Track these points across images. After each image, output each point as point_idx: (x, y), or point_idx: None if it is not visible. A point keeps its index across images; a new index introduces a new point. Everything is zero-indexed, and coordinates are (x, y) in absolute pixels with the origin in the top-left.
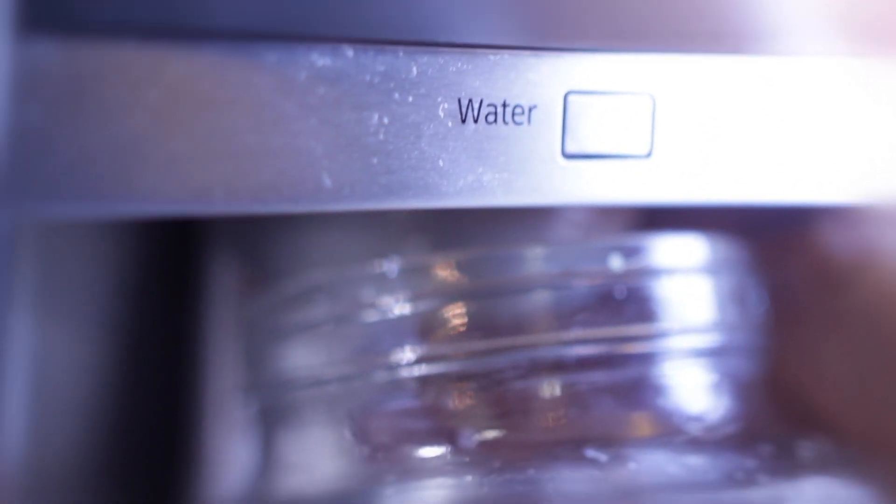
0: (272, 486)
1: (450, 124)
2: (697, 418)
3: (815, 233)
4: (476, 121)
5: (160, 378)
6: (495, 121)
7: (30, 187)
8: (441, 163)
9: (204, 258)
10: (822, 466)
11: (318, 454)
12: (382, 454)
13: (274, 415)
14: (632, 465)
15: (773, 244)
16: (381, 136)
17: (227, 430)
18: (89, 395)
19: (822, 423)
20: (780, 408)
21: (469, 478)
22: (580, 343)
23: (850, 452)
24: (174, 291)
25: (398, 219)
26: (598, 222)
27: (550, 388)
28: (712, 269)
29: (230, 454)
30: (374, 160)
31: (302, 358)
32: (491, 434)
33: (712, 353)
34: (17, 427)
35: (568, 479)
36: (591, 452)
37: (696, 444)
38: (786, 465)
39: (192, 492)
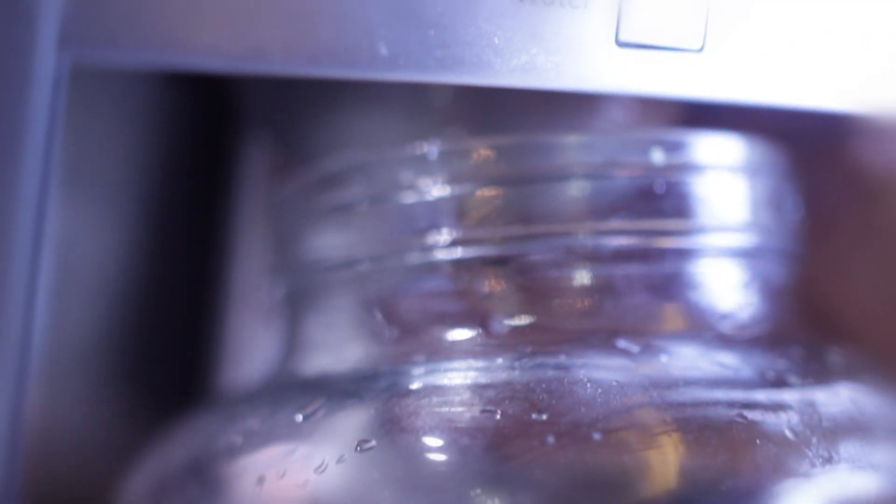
0: (299, 366)
1: (507, 2)
2: (729, 316)
3: (853, 146)
4: (534, 1)
5: (188, 261)
6: (553, 2)
7: (89, 31)
8: (496, 40)
9: (237, 139)
10: (850, 373)
11: (346, 335)
12: (412, 336)
13: (303, 297)
14: (663, 358)
15: (811, 154)
16: (439, 9)
17: (255, 313)
18: (114, 276)
19: (848, 335)
20: (809, 316)
21: (499, 360)
22: (616, 234)
23: (877, 362)
24: (206, 172)
25: (439, 105)
26: (640, 120)
27: (584, 278)
28: (752, 171)
29: (257, 338)
30: (431, 32)
31: (334, 238)
32: (523, 319)
33: (746, 254)
34: (44, 305)
35: (599, 366)
36: (622, 343)
37: (728, 341)
38: (815, 368)
39: (218, 375)
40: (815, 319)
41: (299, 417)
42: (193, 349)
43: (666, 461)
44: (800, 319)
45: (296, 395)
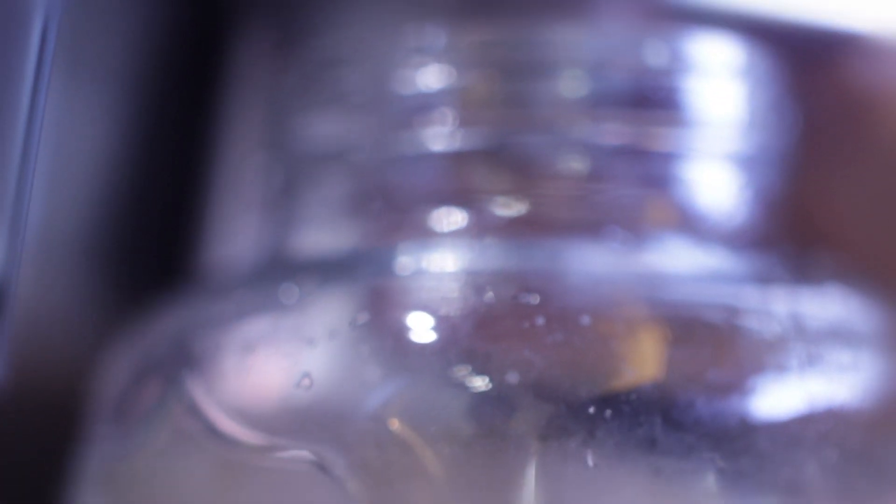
0: (291, 248)
1: None
2: (719, 218)
3: (846, 65)
4: None
5: (180, 144)
6: None
7: None
8: None
9: (234, 22)
10: (836, 278)
11: (339, 222)
12: (405, 222)
13: (296, 183)
14: (652, 251)
15: (806, 70)
16: None
17: (246, 199)
18: (108, 158)
19: (834, 248)
20: (797, 228)
21: (491, 246)
22: (610, 130)
23: (863, 272)
24: (201, 56)
25: None
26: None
27: (577, 171)
28: (748, 76)
29: (247, 224)
30: None
31: (328, 123)
32: (515, 209)
33: (739, 159)
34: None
35: (589, 256)
36: (613, 235)
37: (716, 241)
38: (802, 272)
39: (207, 259)
40: (803, 231)
41: (292, 292)
42: (183, 233)
43: (652, 349)
44: (788, 229)
45: (288, 272)
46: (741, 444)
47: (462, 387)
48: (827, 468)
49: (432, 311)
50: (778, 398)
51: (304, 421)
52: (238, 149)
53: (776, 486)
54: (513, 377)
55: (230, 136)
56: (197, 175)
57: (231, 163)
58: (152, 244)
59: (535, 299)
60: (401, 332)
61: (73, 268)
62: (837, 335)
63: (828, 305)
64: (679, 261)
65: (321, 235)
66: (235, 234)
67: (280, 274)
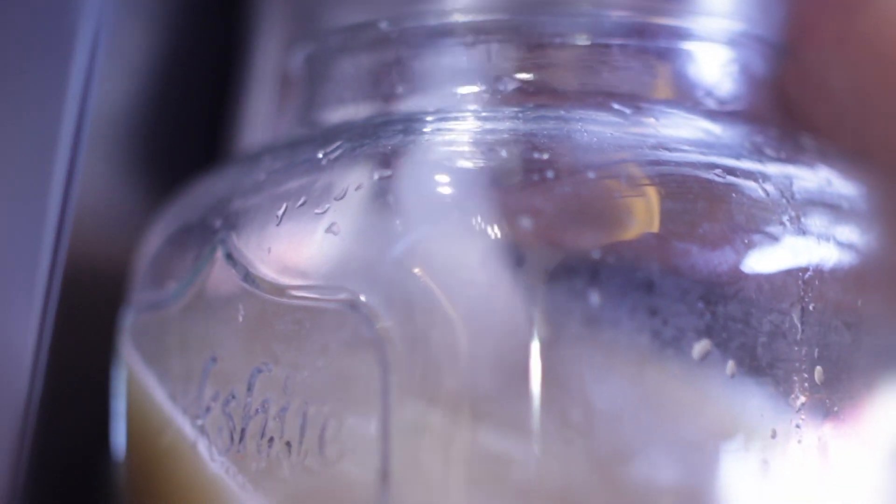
0: (317, 121)
1: None
2: (714, 94)
3: None
4: None
5: (212, 39)
6: None
7: None
8: None
9: None
10: (822, 156)
11: (363, 93)
12: (425, 91)
13: (322, 61)
14: (653, 120)
15: None
16: None
17: (274, 88)
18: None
19: (820, 132)
20: (785, 111)
21: (505, 112)
22: (616, 9)
23: (847, 153)
24: None
25: None
26: None
27: (586, 47)
28: None
29: (279, 107)
30: None
31: (351, 4)
32: (527, 80)
33: (733, 40)
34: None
35: (595, 121)
36: (616, 105)
37: (711, 114)
38: (791, 147)
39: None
40: (791, 115)
41: (320, 155)
42: (220, 120)
43: (652, 201)
44: (778, 109)
45: (316, 140)
46: (731, 291)
47: (478, 233)
48: (808, 317)
49: (451, 167)
50: (766, 252)
51: (333, 264)
52: (269, 35)
53: (761, 329)
54: (525, 223)
55: (263, 24)
56: (232, 63)
57: (264, 50)
58: (192, 131)
59: (545, 156)
60: (422, 184)
61: (121, 154)
62: (822, 208)
63: (814, 179)
64: (678, 129)
65: (345, 109)
66: (267, 116)
67: (309, 140)
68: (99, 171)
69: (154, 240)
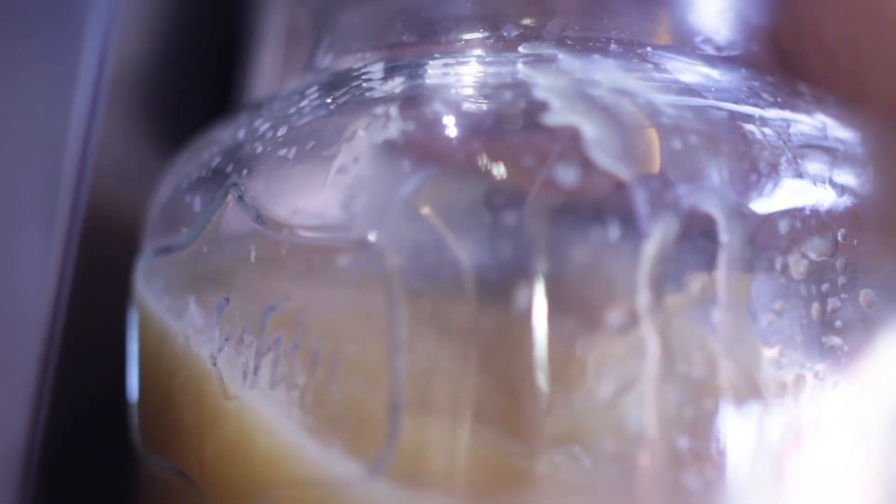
0: (326, 69)
1: None
2: (712, 40)
3: None
4: None
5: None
6: None
7: None
8: None
9: None
10: (819, 103)
11: (369, 43)
12: (431, 39)
13: (329, 13)
14: (652, 65)
15: None
16: None
17: (282, 39)
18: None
19: (819, 83)
20: (782, 61)
21: (507, 56)
22: None
23: (842, 101)
24: None
25: None
26: None
27: None
28: None
29: (285, 58)
30: None
31: None
32: (528, 23)
33: None
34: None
35: (596, 65)
36: (617, 49)
37: (709, 59)
38: (788, 94)
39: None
40: (787, 64)
41: (329, 100)
42: (229, 74)
43: (653, 143)
44: (774, 59)
45: (324, 86)
46: (731, 228)
47: (483, 173)
48: (804, 258)
49: (456, 109)
50: (763, 193)
51: (343, 204)
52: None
53: (760, 266)
54: (529, 164)
55: None
56: (242, 17)
57: (272, 3)
58: (204, 84)
59: (546, 98)
60: (429, 126)
61: (136, 108)
62: (818, 152)
63: (811, 124)
64: (677, 73)
65: (353, 57)
66: (275, 69)
67: (319, 86)
68: (116, 125)
69: (167, 187)
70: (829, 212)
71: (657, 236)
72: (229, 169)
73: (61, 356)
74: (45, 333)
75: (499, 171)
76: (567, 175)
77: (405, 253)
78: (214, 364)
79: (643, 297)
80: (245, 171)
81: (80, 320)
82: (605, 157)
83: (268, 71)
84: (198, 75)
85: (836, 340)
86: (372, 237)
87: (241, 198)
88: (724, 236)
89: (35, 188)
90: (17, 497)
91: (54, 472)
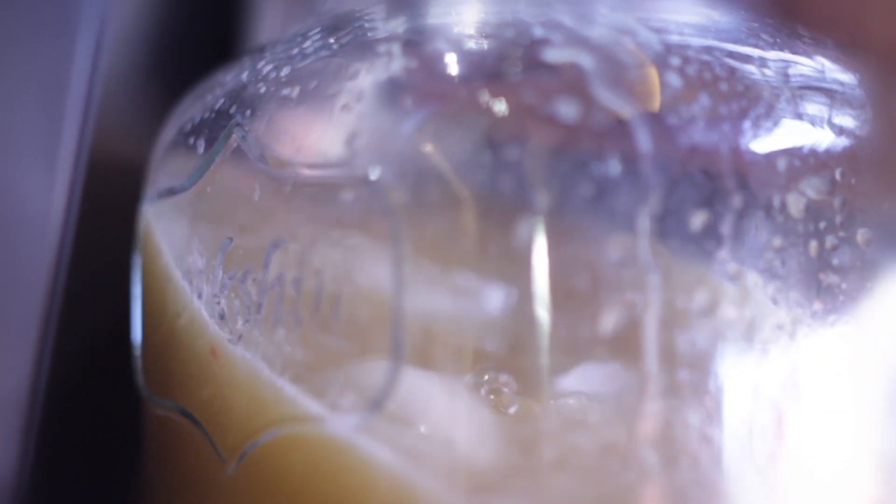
0: (324, 13)
1: None
2: None
3: None
4: None
5: None
6: None
7: None
8: None
9: None
10: (818, 47)
11: None
12: None
13: None
14: (652, 4)
15: None
16: None
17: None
18: None
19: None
20: (782, 4)
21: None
22: None
23: (841, 44)
24: None
25: None
26: None
27: None
28: None
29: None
30: None
31: None
32: None
33: None
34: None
35: (598, 6)
36: None
37: (711, 1)
38: (788, 36)
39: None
40: (787, 8)
41: (331, 40)
42: (231, 25)
43: (654, 80)
44: (774, 2)
45: (326, 28)
46: (728, 165)
47: (485, 110)
48: (803, 193)
49: (459, 48)
50: (763, 132)
51: (347, 142)
52: None
53: (758, 204)
54: (529, 99)
55: None
56: None
57: None
58: (207, 31)
59: (548, 36)
60: (432, 64)
61: (140, 56)
62: (817, 89)
63: (810, 66)
64: (678, 13)
65: (352, 4)
66: (277, 15)
67: (319, 30)
68: (119, 70)
69: (170, 131)
70: (828, 152)
71: (657, 173)
72: (233, 110)
73: (65, 300)
74: (49, 276)
75: (500, 107)
76: (568, 111)
77: (408, 189)
78: (217, 303)
79: (643, 233)
80: (249, 112)
81: (84, 264)
82: (606, 93)
83: (270, 17)
84: (201, 21)
85: (833, 278)
86: (375, 174)
87: (244, 138)
88: (723, 174)
89: (38, 131)
90: (21, 441)
91: (58, 417)
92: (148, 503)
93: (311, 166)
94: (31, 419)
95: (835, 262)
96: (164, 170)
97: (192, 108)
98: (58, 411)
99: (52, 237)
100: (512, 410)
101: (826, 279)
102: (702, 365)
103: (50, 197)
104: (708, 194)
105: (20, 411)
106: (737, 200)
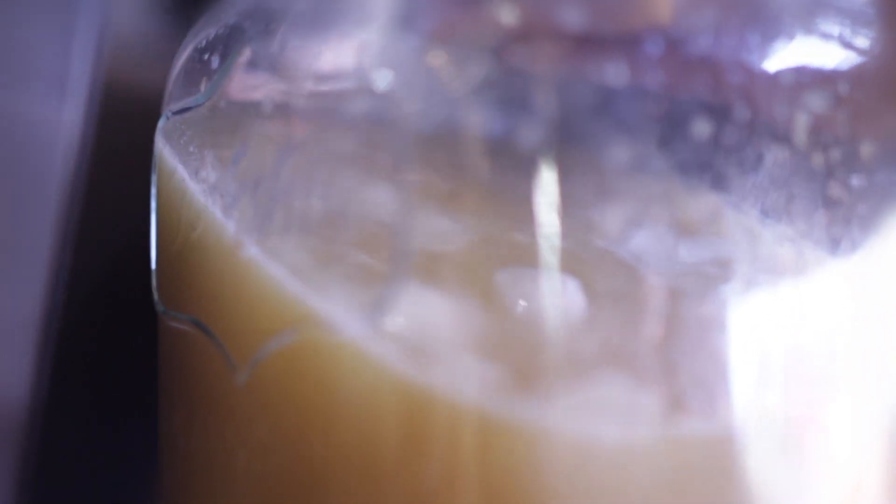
0: None
1: None
2: None
3: None
4: None
5: None
6: None
7: None
8: None
9: None
10: None
11: None
12: None
13: None
14: None
15: None
16: None
17: None
18: None
19: None
20: None
21: None
22: None
23: None
24: None
25: None
26: None
27: None
28: None
29: None
30: None
31: None
32: None
33: None
34: None
35: None
36: None
37: None
38: None
39: None
40: None
41: None
42: None
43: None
44: None
45: None
46: (736, 79)
47: (493, 21)
48: (809, 107)
49: None
50: (774, 49)
51: (357, 53)
52: None
53: (762, 119)
54: (536, 8)
55: None
56: None
57: None
58: None
59: None
60: None
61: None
62: (830, 6)
63: None
64: None
65: None
66: None
67: None
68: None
69: (186, 50)
70: (835, 69)
71: (666, 88)
72: (246, 24)
73: (81, 222)
74: (64, 198)
75: (509, 17)
76: (578, 22)
77: (417, 100)
78: (230, 215)
79: (651, 146)
80: (262, 27)
81: (101, 186)
82: (613, 3)
83: None
84: None
85: (839, 194)
86: (384, 85)
87: (257, 51)
88: (729, 88)
89: (50, 53)
90: (36, 362)
91: (74, 337)
92: (164, 420)
93: (322, 78)
94: (46, 340)
95: (840, 178)
96: (181, 88)
97: (206, 27)
98: (73, 331)
99: (66, 159)
100: (519, 310)
101: (832, 195)
102: (704, 272)
103: (61, 119)
104: (716, 109)
105: (35, 331)
106: (743, 114)
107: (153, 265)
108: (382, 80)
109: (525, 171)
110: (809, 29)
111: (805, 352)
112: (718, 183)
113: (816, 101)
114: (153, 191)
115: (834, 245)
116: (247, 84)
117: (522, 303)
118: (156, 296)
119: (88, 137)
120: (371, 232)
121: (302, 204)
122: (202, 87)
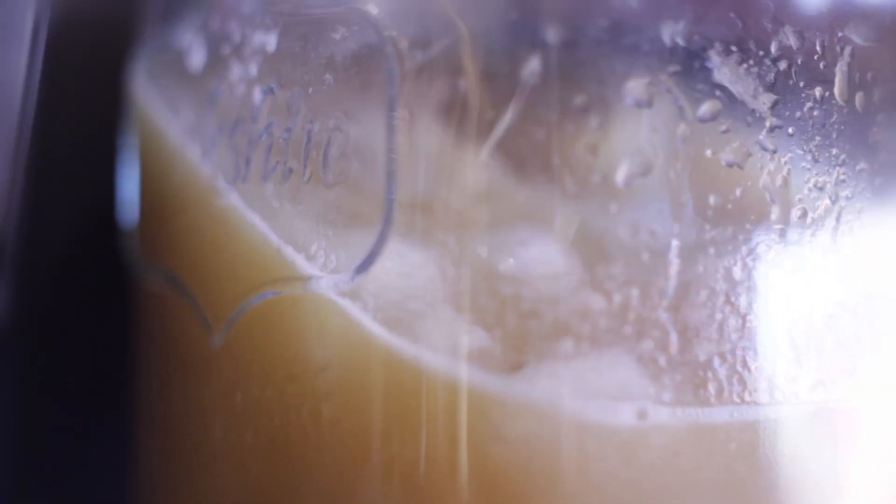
0: None
1: None
2: None
3: None
4: None
5: None
6: None
7: None
8: None
9: None
10: None
11: None
12: None
13: None
14: None
15: None
16: None
17: None
18: None
19: None
20: None
21: None
22: None
23: None
24: None
25: None
26: None
27: None
28: None
29: None
30: None
31: None
32: None
33: None
34: None
35: None
36: None
37: None
38: None
39: None
40: None
41: None
42: None
43: None
44: None
45: None
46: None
47: None
48: (849, 39)
49: None
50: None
51: None
52: None
53: (797, 49)
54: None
55: None
56: None
57: None
58: None
59: None
60: None
61: None
62: None
63: None
64: None
65: None
66: None
67: None
68: None
69: None
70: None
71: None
72: None
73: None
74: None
75: None
76: None
77: (405, 25)
78: (207, 160)
79: (666, 68)
80: None
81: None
82: None
83: None
84: None
85: (879, 136)
86: (372, 8)
87: None
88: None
89: None
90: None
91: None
92: (142, 388)
93: (307, 4)
94: None
95: (880, 117)
96: (157, 26)
97: None
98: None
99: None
100: (502, 270)
101: (872, 136)
102: (730, 222)
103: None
104: (743, 35)
105: None
106: (775, 43)
107: (121, 219)
108: (370, 4)
109: (525, 113)
110: None
111: (841, 318)
112: (750, 125)
113: (853, 29)
114: (127, 136)
115: (876, 193)
116: (232, 17)
117: (510, 260)
118: (130, 246)
119: (33, 81)
120: (352, 177)
121: (280, 146)
122: (183, 21)
